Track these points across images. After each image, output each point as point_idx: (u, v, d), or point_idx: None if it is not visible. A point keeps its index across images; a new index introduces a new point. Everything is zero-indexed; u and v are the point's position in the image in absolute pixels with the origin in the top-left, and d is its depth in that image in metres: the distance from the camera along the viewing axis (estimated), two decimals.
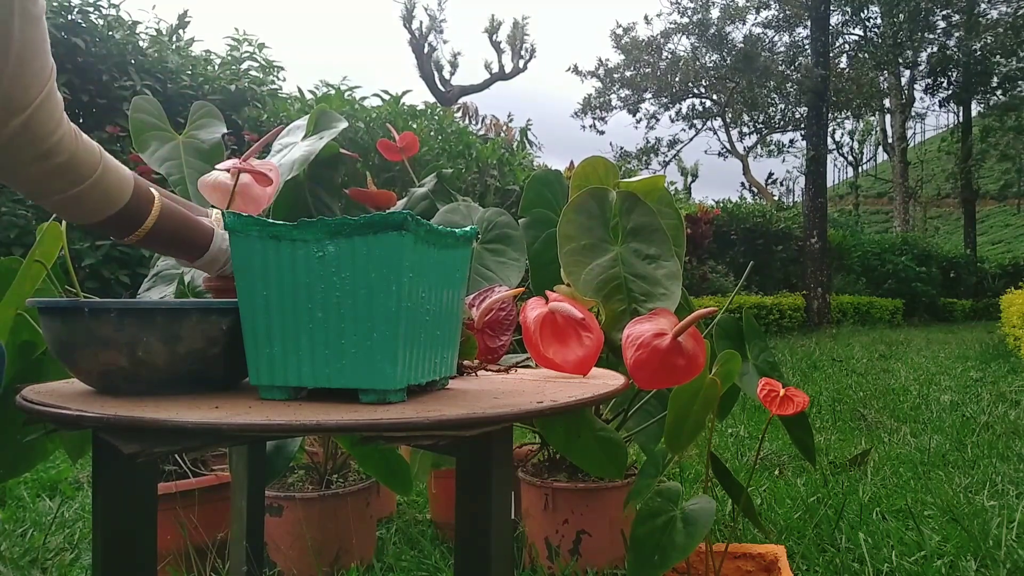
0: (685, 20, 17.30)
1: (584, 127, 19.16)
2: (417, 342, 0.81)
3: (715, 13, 16.81)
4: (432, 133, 5.44)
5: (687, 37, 17.56)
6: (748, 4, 16.74)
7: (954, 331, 11.36)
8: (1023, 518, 2.00)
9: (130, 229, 0.90)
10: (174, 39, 5.96)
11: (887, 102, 21.05)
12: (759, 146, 19.37)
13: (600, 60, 19.04)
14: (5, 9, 0.72)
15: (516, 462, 1.90)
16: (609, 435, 1.44)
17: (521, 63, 15.34)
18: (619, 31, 18.45)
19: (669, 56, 17.97)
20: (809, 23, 12.75)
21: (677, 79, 17.68)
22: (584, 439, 1.42)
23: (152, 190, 0.91)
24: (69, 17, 5.13)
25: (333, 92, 5.43)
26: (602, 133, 19.26)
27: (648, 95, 18.60)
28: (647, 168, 19.50)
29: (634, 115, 18.97)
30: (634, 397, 1.74)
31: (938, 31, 17.60)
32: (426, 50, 14.62)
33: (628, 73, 18.54)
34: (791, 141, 18.79)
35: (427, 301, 0.82)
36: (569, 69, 19.01)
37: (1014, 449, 2.99)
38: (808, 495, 2.29)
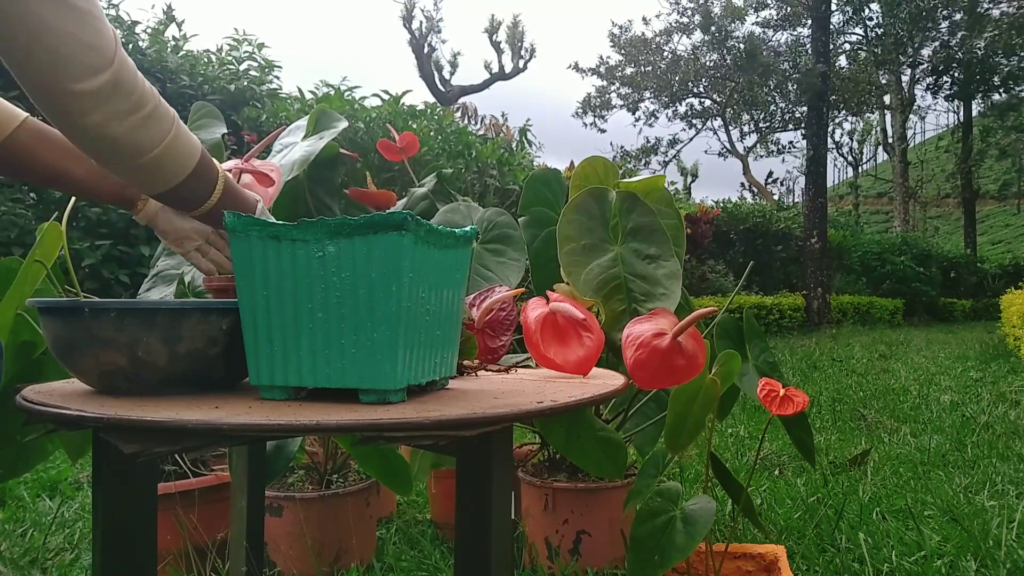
0: (685, 20, 17.34)
1: (585, 125, 19.20)
2: (417, 342, 0.81)
3: (716, 11, 16.84)
4: (432, 133, 5.45)
5: (688, 36, 17.58)
6: (746, 4, 16.76)
7: (954, 331, 11.36)
8: (1023, 518, 2.00)
9: (202, 194, 0.90)
10: (167, 34, 5.95)
11: (887, 99, 21.07)
12: (759, 146, 19.38)
13: (601, 58, 19.08)
14: None
15: (516, 462, 1.90)
16: (609, 435, 1.44)
17: (521, 63, 15.35)
18: (616, 30, 18.49)
19: (669, 55, 18.00)
20: (810, 22, 12.76)
21: (677, 78, 17.70)
22: (584, 439, 1.42)
23: (217, 163, 0.92)
24: None
25: (333, 92, 5.43)
26: (603, 132, 19.32)
27: (648, 94, 18.62)
28: (647, 168, 19.53)
29: (634, 114, 19.00)
30: (633, 398, 1.74)
31: (941, 29, 17.61)
32: (426, 50, 14.63)
33: (628, 71, 18.57)
34: (791, 143, 18.82)
35: (427, 301, 0.82)
36: (570, 66, 19.06)
37: (1014, 449, 2.99)
38: (808, 495, 2.29)
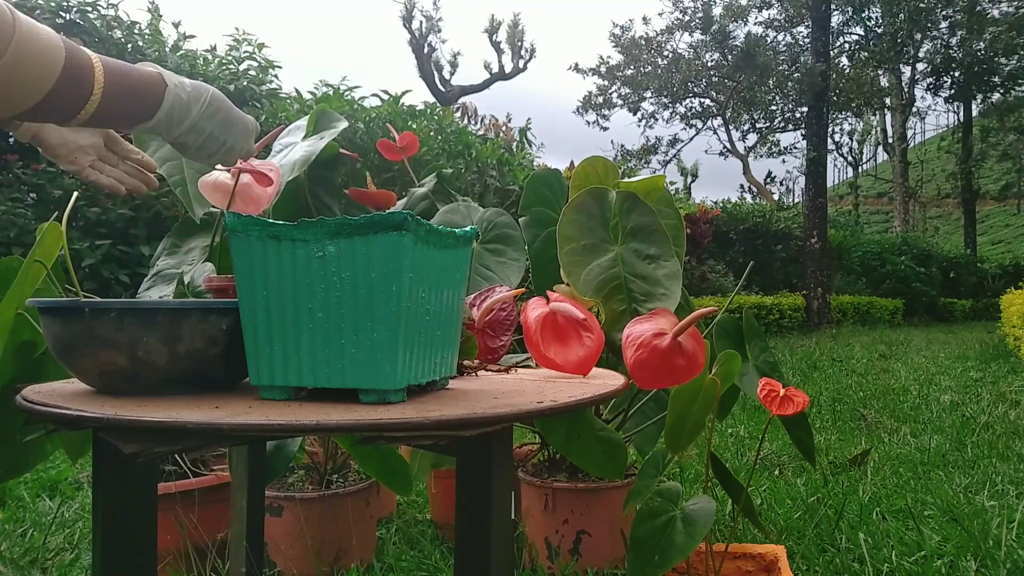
0: (687, 19, 17.34)
1: (588, 123, 19.22)
2: (417, 342, 0.81)
3: (717, 11, 16.84)
4: (432, 133, 5.45)
5: (689, 35, 17.59)
6: (750, 3, 16.76)
7: (954, 331, 11.36)
8: (1023, 518, 2.00)
9: (77, 101, 0.71)
10: (166, 34, 5.95)
11: (888, 100, 21.08)
12: (759, 145, 19.39)
13: (601, 58, 19.10)
14: None
15: (516, 462, 1.90)
16: (609, 435, 1.44)
17: (521, 63, 15.36)
18: (617, 31, 18.51)
19: (670, 55, 18.00)
20: (810, 23, 12.77)
21: (677, 78, 17.70)
22: (584, 439, 1.42)
23: (86, 51, 0.74)
24: (67, 16, 5.14)
25: (332, 92, 5.43)
26: (605, 129, 19.34)
27: (648, 94, 18.62)
28: (647, 167, 19.53)
29: (634, 114, 19.00)
30: (633, 397, 1.74)
31: (941, 29, 17.62)
32: (426, 50, 14.63)
33: (629, 72, 18.57)
34: (793, 144, 18.81)
35: (427, 301, 0.82)
36: (570, 67, 19.07)
37: (1014, 449, 2.99)
38: (808, 495, 2.29)
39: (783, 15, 16.46)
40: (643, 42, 18.11)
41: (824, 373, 5.63)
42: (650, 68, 18.09)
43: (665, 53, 18.06)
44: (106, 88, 0.73)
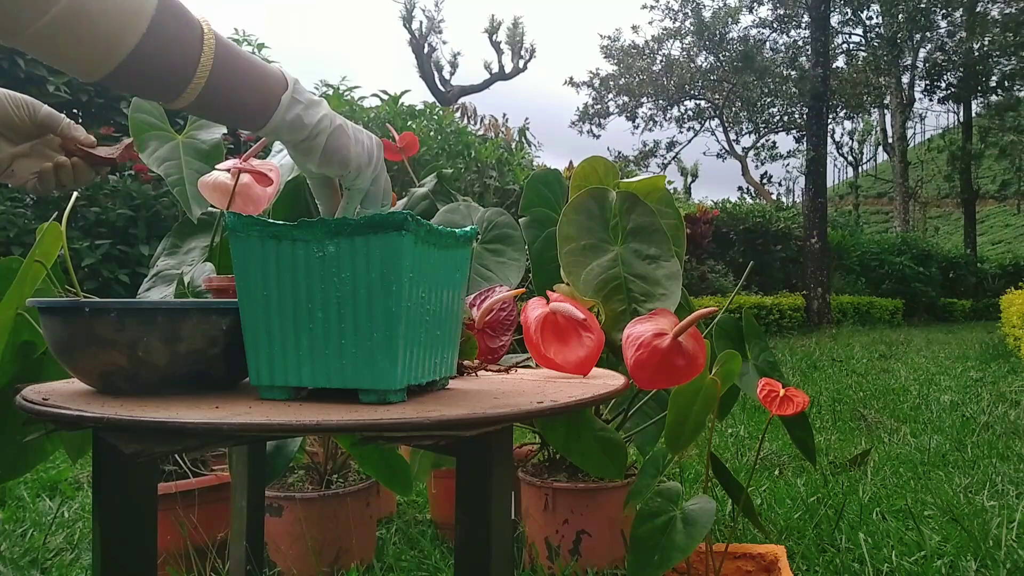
0: (677, 25, 17.42)
1: (581, 133, 19.30)
2: (417, 342, 0.81)
3: (707, 15, 16.89)
4: (431, 133, 5.45)
5: (682, 40, 17.65)
6: (740, 4, 16.80)
7: (954, 331, 11.36)
8: (1023, 518, 2.00)
9: (177, 78, 0.57)
10: None
11: (887, 98, 21.12)
12: (763, 149, 19.43)
13: (593, 71, 19.25)
14: None
15: (516, 462, 1.90)
16: (609, 435, 1.44)
17: (521, 63, 15.36)
18: (606, 41, 18.59)
19: (663, 60, 18.05)
20: (808, 23, 12.78)
21: (672, 82, 17.74)
22: (584, 439, 1.42)
23: (200, 21, 0.62)
24: None
25: (332, 92, 5.43)
26: (597, 138, 19.41)
27: (645, 99, 18.67)
28: (646, 170, 19.58)
29: (632, 120, 19.05)
30: (634, 398, 1.74)
31: (940, 30, 17.65)
32: (426, 50, 14.64)
33: (623, 80, 18.63)
34: (797, 148, 18.85)
35: (427, 301, 0.82)
36: (566, 82, 19.13)
37: (1014, 449, 2.99)
38: (808, 495, 2.29)
39: (774, 13, 16.47)
40: (634, 50, 18.18)
41: (824, 373, 5.63)
42: (644, 76, 18.15)
43: (658, 59, 18.12)
44: (216, 68, 0.60)
